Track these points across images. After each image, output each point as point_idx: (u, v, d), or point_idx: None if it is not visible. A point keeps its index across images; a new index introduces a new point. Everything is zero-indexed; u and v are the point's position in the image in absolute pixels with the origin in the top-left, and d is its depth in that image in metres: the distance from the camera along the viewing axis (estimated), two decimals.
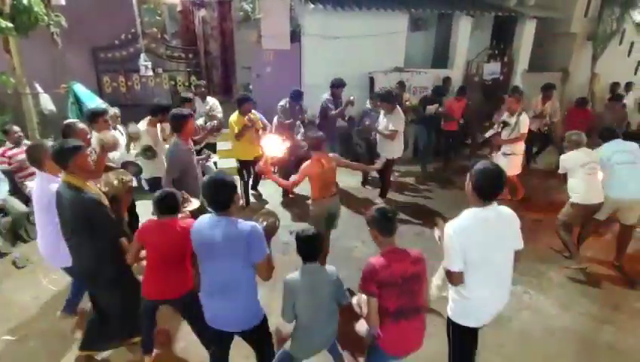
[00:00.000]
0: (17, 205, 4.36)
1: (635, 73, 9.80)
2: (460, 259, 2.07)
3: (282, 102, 5.53)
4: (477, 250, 2.07)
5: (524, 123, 5.25)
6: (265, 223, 2.43)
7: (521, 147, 5.45)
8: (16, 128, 4.56)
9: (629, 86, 8.25)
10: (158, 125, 4.28)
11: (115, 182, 2.76)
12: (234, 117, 5.08)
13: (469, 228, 2.07)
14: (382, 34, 7.47)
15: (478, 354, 2.39)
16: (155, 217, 2.53)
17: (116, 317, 2.73)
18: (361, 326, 2.46)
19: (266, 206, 5.59)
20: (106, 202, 2.57)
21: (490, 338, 2.97)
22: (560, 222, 4.18)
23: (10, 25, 4.41)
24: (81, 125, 3.41)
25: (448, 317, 2.30)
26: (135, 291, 2.63)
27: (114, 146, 3.46)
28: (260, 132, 5.17)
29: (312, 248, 2.29)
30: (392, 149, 5.33)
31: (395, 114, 5.16)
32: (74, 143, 2.49)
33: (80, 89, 5.30)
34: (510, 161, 5.31)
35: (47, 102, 5.70)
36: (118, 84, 7.05)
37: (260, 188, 6.00)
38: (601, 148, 4.08)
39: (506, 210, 2.18)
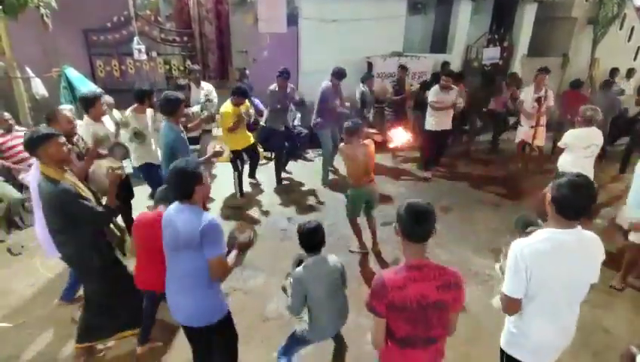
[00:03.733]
0: (12, 192, 4.31)
1: (635, 58, 9.72)
2: (523, 286, 1.76)
3: (272, 87, 5.40)
4: (546, 279, 1.75)
5: (551, 96, 5.79)
6: (241, 236, 2.34)
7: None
8: (7, 115, 4.47)
9: (630, 72, 8.18)
10: (148, 111, 4.21)
11: (105, 172, 2.69)
12: (227, 108, 4.95)
13: (544, 253, 1.73)
14: (380, 17, 7.34)
15: (477, 337, 2.40)
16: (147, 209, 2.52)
17: (105, 309, 2.70)
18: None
19: (263, 193, 5.57)
20: (84, 193, 2.48)
21: (486, 320, 3.00)
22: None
23: None
24: (65, 112, 3.36)
25: (501, 348, 2.06)
26: (123, 283, 2.61)
27: (107, 142, 3.52)
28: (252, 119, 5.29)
29: (314, 240, 2.31)
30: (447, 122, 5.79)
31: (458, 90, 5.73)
32: (44, 132, 2.38)
33: (72, 73, 5.17)
34: (542, 131, 5.77)
35: (38, 87, 5.57)
36: (112, 68, 6.90)
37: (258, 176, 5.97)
38: None
39: (590, 236, 1.79)
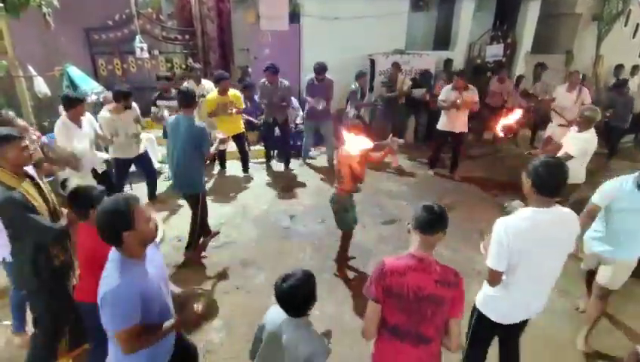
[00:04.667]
0: None
1: None
2: (506, 260, 1.93)
3: (261, 81, 5.52)
4: (527, 252, 1.92)
5: (587, 93, 5.79)
6: (190, 306, 1.92)
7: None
8: (11, 114, 4.47)
9: (635, 69, 8.11)
10: (126, 111, 4.39)
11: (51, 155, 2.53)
12: (211, 95, 5.16)
13: (525, 230, 1.90)
14: (383, 15, 7.31)
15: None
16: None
17: (48, 329, 2.50)
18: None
19: (258, 190, 5.57)
20: (36, 204, 2.23)
21: None
22: None
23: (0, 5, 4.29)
24: (20, 121, 3.44)
25: (476, 307, 2.24)
26: (63, 303, 2.41)
27: (65, 165, 3.53)
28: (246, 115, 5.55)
29: (294, 301, 1.69)
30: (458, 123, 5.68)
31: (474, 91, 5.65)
32: (4, 133, 2.17)
33: (74, 72, 5.18)
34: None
35: (41, 86, 5.58)
36: (114, 66, 6.91)
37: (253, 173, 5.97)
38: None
39: (567, 212, 1.99)
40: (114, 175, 4.62)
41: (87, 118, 3.98)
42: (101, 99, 5.03)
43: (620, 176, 2.66)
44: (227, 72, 7.80)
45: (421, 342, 1.72)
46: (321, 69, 5.56)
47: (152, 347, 1.71)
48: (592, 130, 3.88)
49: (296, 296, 1.68)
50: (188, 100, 3.62)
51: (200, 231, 3.89)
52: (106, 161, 4.44)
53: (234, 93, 5.32)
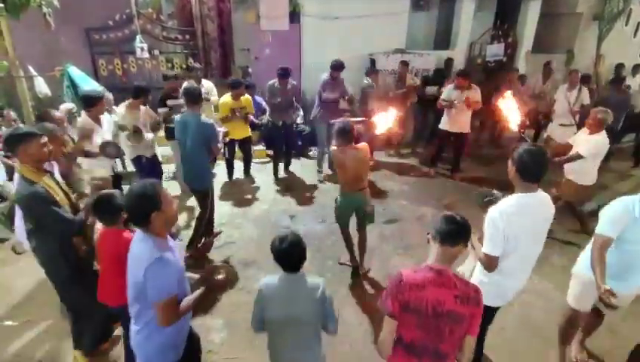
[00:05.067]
0: (14, 190, 4.31)
1: None
2: (502, 245, 2.07)
3: (271, 82, 5.47)
4: (518, 236, 2.06)
5: (586, 93, 5.74)
6: (215, 277, 2.08)
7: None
8: (13, 114, 4.49)
9: (636, 68, 8.08)
10: (142, 107, 4.37)
11: (85, 179, 2.66)
12: (225, 99, 5.12)
13: (515, 214, 2.05)
14: (383, 14, 7.29)
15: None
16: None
17: (84, 317, 2.62)
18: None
19: (259, 190, 5.56)
20: (58, 197, 2.36)
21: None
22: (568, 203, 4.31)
23: (0, 5, 4.28)
24: (58, 113, 3.55)
25: None
26: (90, 291, 2.46)
27: (89, 136, 3.61)
28: (251, 117, 5.37)
29: (290, 257, 1.87)
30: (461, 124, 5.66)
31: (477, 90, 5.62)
32: (25, 130, 2.31)
33: (75, 72, 5.19)
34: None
35: (41, 86, 5.59)
36: (114, 66, 6.91)
37: (253, 173, 5.97)
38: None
39: (545, 196, 2.16)
40: (136, 175, 4.60)
41: (105, 116, 4.02)
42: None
43: (623, 199, 2.31)
44: (227, 71, 7.84)
45: (438, 359, 1.66)
46: (339, 65, 5.49)
47: (176, 330, 1.88)
48: (604, 133, 3.87)
49: (293, 253, 1.86)
50: (195, 98, 3.67)
51: (204, 230, 3.90)
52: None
53: (246, 98, 5.31)
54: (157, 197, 1.76)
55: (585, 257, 2.45)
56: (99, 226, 2.39)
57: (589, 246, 2.40)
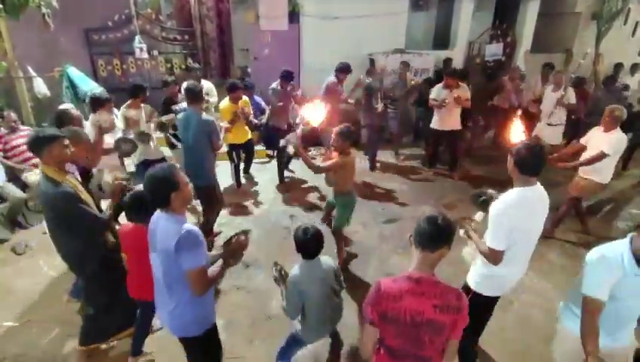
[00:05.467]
0: (15, 191, 4.32)
1: (639, 54, 9.64)
2: (506, 238, 2.11)
3: (274, 85, 5.43)
4: (519, 229, 2.12)
5: (572, 94, 5.64)
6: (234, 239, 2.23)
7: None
8: (13, 115, 4.49)
9: (634, 67, 8.10)
10: (143, 106, 4.36)
11: (110, 180, 2.70)
12: (224, 105, 5.05)
13: (516, 207, 2.11)
14: (382, 14, 7.30)
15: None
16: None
17: (106, 311, 2.70)
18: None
19: (259, 190, 5.57)
20: (83, 196, 2.47)
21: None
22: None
23: None
24: (76, 112, 3.48)
25: (473, 290, 2.35)
26: (121, 285, 2.58)
27: (111, 127, 3.63)
28: (251, 117, 5.31)
29: (312, 246, 2.26)
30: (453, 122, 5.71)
31: (465, 89, 5.64)
32: (50, 133, 2.39)
33: (74, 72, 5.19)
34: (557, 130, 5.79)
35: (40, 86, 5.59)
36: (113, 67, 6.91)
37: (253, 172, 5.97)
38: None
39: (542, 190, 2.23)
40: (138, 178, 4.53)
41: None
42: None
43: (605, 255, 1.89)
44: (227, 72, 7.85)
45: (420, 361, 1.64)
46: (346, 68, 5.46)
47: (207, 300, 2.06)
48: (619, 129, 3.89)
49: (315, 243, 2.24)
50: (196, 96, 3.74)
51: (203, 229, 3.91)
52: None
53: (244, 100, 5.28)
54: (175, 178, 1.89)
55: (568, 310, 2.12)
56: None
57: (572, 294, 2.07)
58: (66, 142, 2.40)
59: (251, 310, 3.29)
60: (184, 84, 4.91)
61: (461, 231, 2.39)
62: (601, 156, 3.83)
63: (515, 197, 2.14)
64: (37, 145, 2.33)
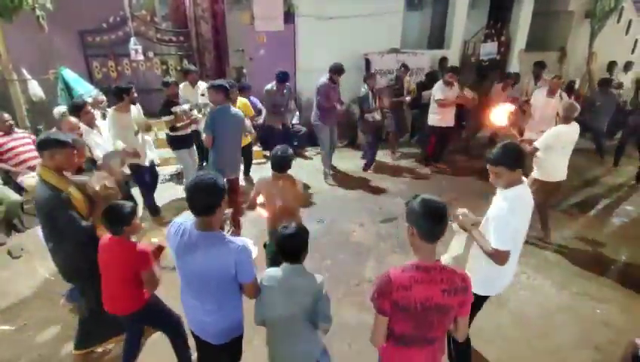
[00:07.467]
0: (11, 194, 4.29)
1: (633, 52, 9.71)
2: (512, 238, 2.14)
3: (268, 86, 5.42)
4: (519, 227, 2.19)
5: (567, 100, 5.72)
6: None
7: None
8: (7, 116, 4.45)
9: (628, 65, 8.16)
10: (132, 107, 4.25)
11: (97, 188, 2.57)
12: None
13: (520, 206, 2.17)
14: (378, 14, 7.30)
15: (478, 335, 2.42)
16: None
17: (99, 315, 2.63)
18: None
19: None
20: (76, 202, 2.40)
21: (488, 318, 3.00)
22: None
23: None
24: (74, 120, 3.54)
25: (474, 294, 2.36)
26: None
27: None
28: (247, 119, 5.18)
29: (293, 247, 1.96)
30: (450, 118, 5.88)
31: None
32: (61, 137, 2.38)
33: (69, 74, 5.16)
34: None
35: (35, 89, 5.57)
36: (108, 69, 6.88)
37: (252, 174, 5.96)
38: None
39: (527, 187, 2.27)
40: (141, 186, 4.55)
41: (101, 122, 4.05)
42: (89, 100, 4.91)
43: None
44: (222, 73, 7.83)
45: (427, 343, 1.73)
46: (339, 69, 5.43)
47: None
48: (567, 125, 3.80)
49: (294, 241, 1.94)
50: (228, 91, 3.91)
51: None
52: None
53: (244, 102, 5.25)
54: (224, 192, 1.84)
55: None
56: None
57: None
58: (74, 151, 2.42)
59: (250, 310, 3.27)
60: (181, 86, 4.90)
61: (454, 225, 2.36)
62: (532, 151, 3.82)
63: (516, 196, 2.17)
64: (45, 145, 2.34)
